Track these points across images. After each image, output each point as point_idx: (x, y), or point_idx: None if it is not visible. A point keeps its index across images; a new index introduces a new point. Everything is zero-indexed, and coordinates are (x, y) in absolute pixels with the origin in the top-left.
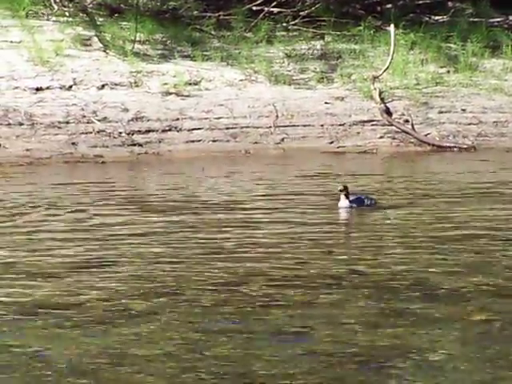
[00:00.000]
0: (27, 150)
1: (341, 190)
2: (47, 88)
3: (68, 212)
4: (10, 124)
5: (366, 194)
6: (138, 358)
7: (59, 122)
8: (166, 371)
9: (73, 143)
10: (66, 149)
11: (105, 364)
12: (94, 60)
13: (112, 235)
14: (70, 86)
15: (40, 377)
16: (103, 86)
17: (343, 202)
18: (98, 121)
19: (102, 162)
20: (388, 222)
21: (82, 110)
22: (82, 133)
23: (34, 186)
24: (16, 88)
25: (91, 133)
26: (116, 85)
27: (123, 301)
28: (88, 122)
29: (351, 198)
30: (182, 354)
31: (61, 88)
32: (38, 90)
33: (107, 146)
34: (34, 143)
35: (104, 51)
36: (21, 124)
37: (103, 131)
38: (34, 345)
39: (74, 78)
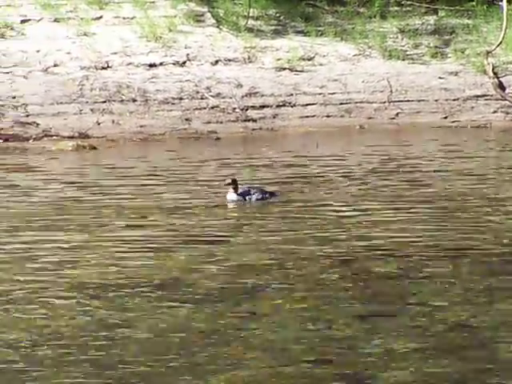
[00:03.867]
0: (141, 126)
1: (228, 184)
2: (160, 64)
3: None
4: (123, 100)
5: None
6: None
7: (173, 98)
8: (264, 349)
9: (186, 119)
10: (179, 125)
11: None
12: (207, 36)
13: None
14: (184, 62)
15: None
16: (217, 61)
17: (231, 195)
18: (212, 97)
19: (216, 138)
20: None
21: (196, 85)
22: (196, 109)
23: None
24: (129, 64)
25: (205, 109)
26: (230, 60)
27: (240, 276)
28: (202, 98)
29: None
30: (283, 332)
31: (174, 64)
32: (151, 66)
33: (221, 122)
34: (148, 119)
35: (217, 27)
36: (134, 100)
37: (217, 107)
38: (152, 318)
39: (188, 54)
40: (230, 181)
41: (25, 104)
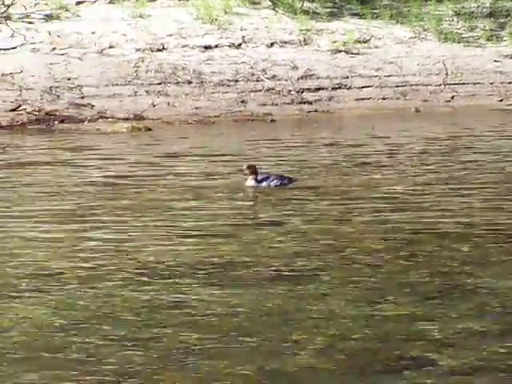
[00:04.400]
0: (196, 108)
1: (247, 169)
2: (216, 46)
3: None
4: (178, 82)
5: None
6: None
7: (228, 81)
8: (329, 330)
9: (242, 101)
10: (235, 107)
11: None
12: (262, 18)
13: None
14: (239, 44)
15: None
16: (272, 44)
17: (250, 182)
18: (268, 79)
19: (272, 120)
20: None
21: (252, 68)
22: (252, 91)
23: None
24: (184, 46)
25: (260, 91)
26: (285, 43)
27: (290, 259)
28: (257, 80)
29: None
30: (347, 312)
31: (230, 46)
32: (206, 48)
33: (276, 104)
34: (203, 101)
35: (273, 9)
36: (189, 82)
37: (272, 89)
38: (205, 300)
39: (243, 36)
40: (246, 166)
41: (80, 86)
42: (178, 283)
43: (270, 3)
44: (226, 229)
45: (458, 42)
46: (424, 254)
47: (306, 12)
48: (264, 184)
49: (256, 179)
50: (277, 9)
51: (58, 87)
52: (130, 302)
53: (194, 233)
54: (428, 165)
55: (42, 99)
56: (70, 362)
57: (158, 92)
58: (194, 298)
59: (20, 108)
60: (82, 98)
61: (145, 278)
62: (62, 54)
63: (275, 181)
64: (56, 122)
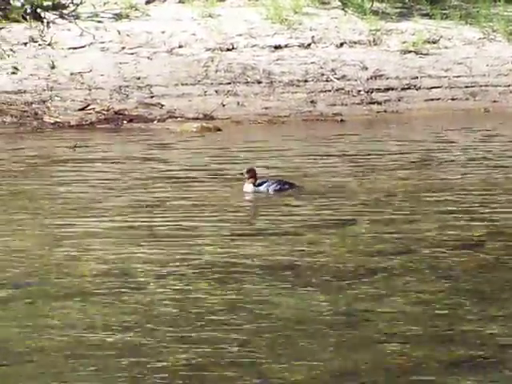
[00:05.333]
0: (265, 108)
1: (246, 173)
2: (286, 46)
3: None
4: (248, 82)
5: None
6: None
7: (298, 81)
8: (400, 330)
9: (311, 101)
10: (304, 107)
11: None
12: (332, 18)
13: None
14: (309, 44)
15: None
16: (342, 44)
17: (247, 187)
18: (337, 79)
19: (341, 121)
20: None
21: (321, 68)
22: (321, 91)
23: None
24: (254, 46)
25: (330, 91)
26: (355, 43)
27: (358, 259)
28: (327, 81)
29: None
30: (418, 313)
31: (299, 46)
32: (276, 48)
33: (346, 104)
34: (273, 101)
35: (342, 9)
36: (259, 82)
37: (342, 89)
38: (268, 300)
39: (313, 36)
40: (246, 170)
41: (149, 85)
42: (248, 283)
43: (339, 3)
44: (292, 229)
45: None
46: (490, 258)
47: (375, 12)
48: (262, 188)
49: (254, 184)
50: (346, 9)
51: (127, 86)
52: (199, 302)
53: (267, 232)
54: (498, 166)
55: (111, 98)
56: (141, 362)
57: (228, 92)
58: (265, 298)
59: (89, 107)
60: (152, 97)
61: (210, 277)
62: (132, 54)
63: (273, 185)
64: (125, 122)
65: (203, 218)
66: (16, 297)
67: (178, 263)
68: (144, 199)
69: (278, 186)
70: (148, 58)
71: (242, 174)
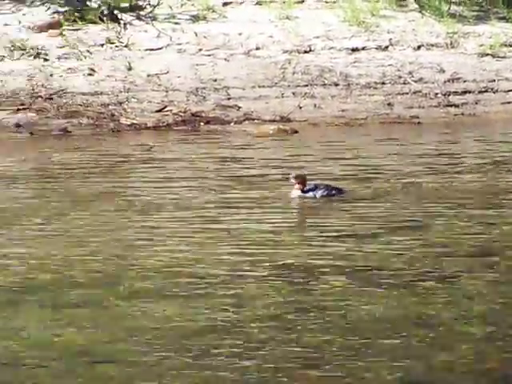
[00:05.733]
0: (342, 110)
1: (293, 179)
2: (363, 48)
3: None
4: (325, 84)
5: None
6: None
7: (375, 83)
8: (470, 332)
9: (389, 104)
10: (381, 109)
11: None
12: (409, 21)
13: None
14: (386, 47)
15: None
16: (419, 46)
17: (295, 193)
18: (414, 82)
19: (418, 123)
20: None
21: (398, 70)
22: (398, 93)
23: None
24: (331, 48)
25: (407, 94)
26: (432, 46)
27: (436, 261)
28: (404, 83)
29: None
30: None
31: (377, 48)
32: (353, 50)
33: (423, 107)
34: (350, 104)
35: (420, 12)
36: (336, 84)
37: (419, 92)
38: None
39: (390, 39)
40: (293, 176)
41: (226, 87)
42: (327, 284)
43: (416, 6)
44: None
45: None
46: None
47: (452, 15)
48: (309, 194)
49: (302, 190)
50: (423, 12)
51: (203, 88)
52: (275, 304)
53: (346, 233)
54: None
55: (187, 100)
56: (218, 365)
57: (305, 94)
58: (340, 299)
59: (166, 109)
60: (228, 99)
61: (289, 278)
62: (209, 55)
63: (321, 191)
64: (201, 124)
65: (275, 219)
66: (104, 298)
67: (257, 264)
68: (222, 199)
69: (326, 192)
70: (225, 59)
71: (287, 178)
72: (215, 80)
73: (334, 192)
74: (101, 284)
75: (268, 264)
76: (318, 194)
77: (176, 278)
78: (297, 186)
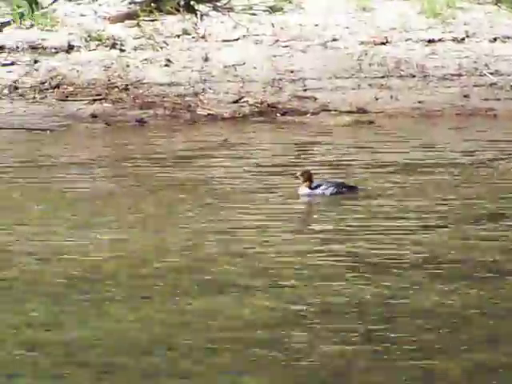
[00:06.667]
0: (419, 102)
1: (301, 176)
2: (439, 40)
3: None
4: (401, 76)
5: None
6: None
7: (451, 75)
8: None
9: (465, 96)
10: (457, 101)
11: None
12: (486, 13)
13: None
14: (463, 39)
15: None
16: (495, 39)
17: (303, 190)
18: (490, 74)
19: (494, 116)
20: None
21: (475, 62)
22: (474, 85)
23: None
24: (408, 40)
25: (483, 86)
26: (508, 38)
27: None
28: (480, 75)
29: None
30: None
31: (453, 40)
32: (430, 42)
33: (499, 99)
34: (426, 95)
35: (496, 4)
36: (413, 76)
37: (495, 84)
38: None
39: (467, 31)
40: (300, 173)
41: (303, 78)
42: (399, 277)
43: None
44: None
45: None
46: None
47: None
48: (318, 192)
49: (310, 186)
50: (500, 4)
51: (280, 79)
52: (349, 296)
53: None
54: None
55: (264, 91)
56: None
57: (381, 85)
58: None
59: (242, 100)
60: (305, 90)
61: (358, 270)
62: (285, 46)
63: (330, 189)
64: (278, 115)
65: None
66: (176, 290)
67: (332, 258)
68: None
69: (335, 190)
70: (301, 51)
71: (296, 176)
72: (291, 71)
73: (344, 189)
74: None
75: (342, 258)
76: (328, 191)
77: (245, 273)
78: (305, 183)
